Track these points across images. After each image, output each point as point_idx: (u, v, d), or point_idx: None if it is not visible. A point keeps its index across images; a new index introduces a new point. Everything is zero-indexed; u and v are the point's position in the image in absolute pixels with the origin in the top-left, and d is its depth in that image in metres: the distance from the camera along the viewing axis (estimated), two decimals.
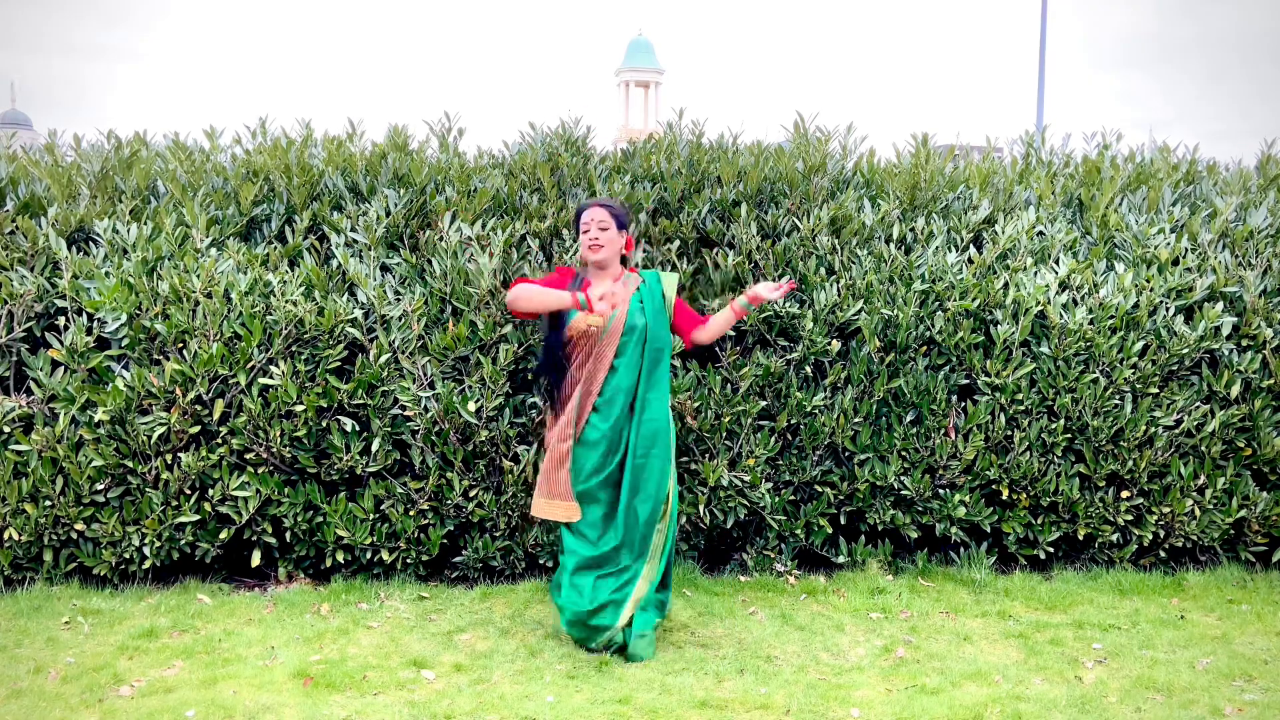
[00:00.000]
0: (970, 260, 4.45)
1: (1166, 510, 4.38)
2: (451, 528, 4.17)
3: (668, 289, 3.59)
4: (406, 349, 4.06)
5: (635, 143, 4.80)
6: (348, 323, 4.05)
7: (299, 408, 3.97)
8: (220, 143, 4.68)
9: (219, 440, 4.02)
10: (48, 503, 3.94)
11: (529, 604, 3.96)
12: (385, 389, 4.04)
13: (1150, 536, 4.41)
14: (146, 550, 3.99)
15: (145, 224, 4.16)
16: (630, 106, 47.35)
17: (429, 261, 4.16)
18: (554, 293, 3.43)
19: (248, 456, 4.04)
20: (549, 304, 3.44)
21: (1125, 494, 4.39)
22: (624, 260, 3.64)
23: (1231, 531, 4.48)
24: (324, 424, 4.06)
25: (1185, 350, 4.29)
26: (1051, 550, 4.43)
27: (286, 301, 3.99)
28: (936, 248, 4.41)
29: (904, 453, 4.34)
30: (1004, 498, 4.38)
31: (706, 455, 4.27)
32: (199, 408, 3.98)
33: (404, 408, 4.04)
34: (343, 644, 3.56)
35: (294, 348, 4.04)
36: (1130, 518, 4.39)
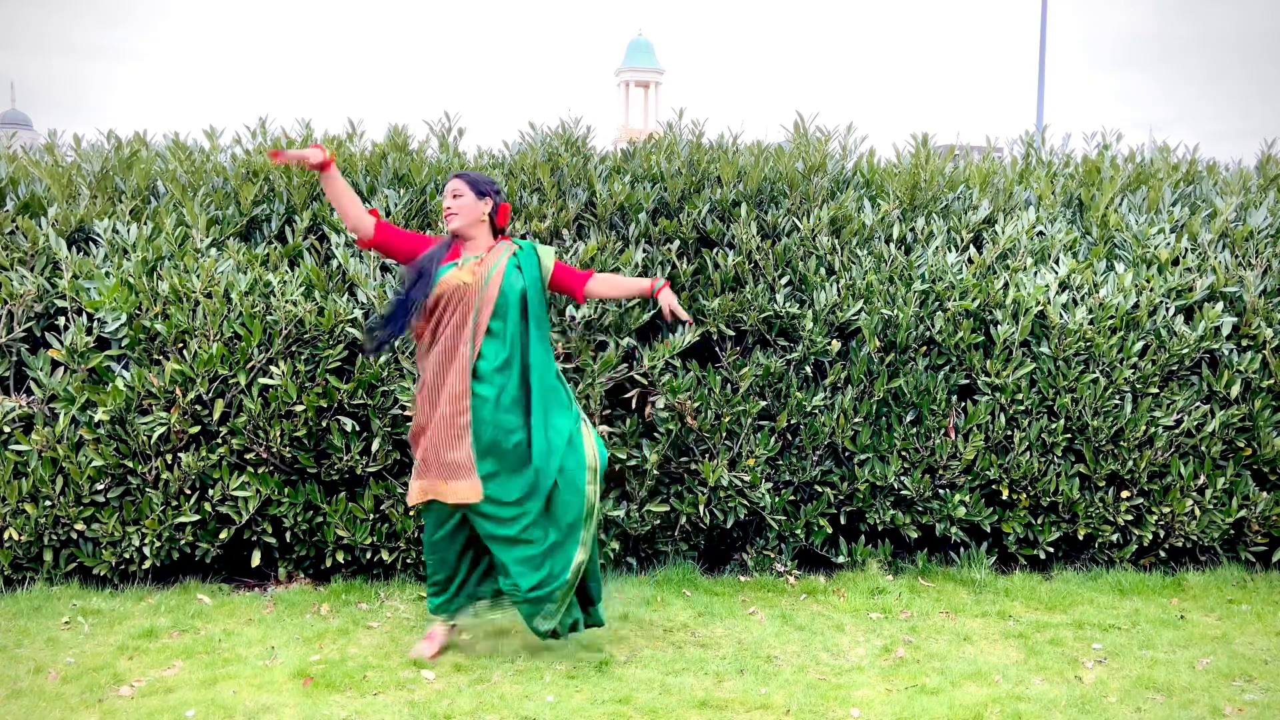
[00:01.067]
0: (970, 260, 4.45)
1: (1166, 510, 4.38)
2: None
3: (544, 258, 3.44)
4: (406, 349, 4.06)
5: (635, 143, 4.80)
6: (348, 323, 4.05)
7: (299, 408, 3.97)
8: (220, 143, 4.68)
9: (219, 440, 4.02)
10: (48, 503, 3.94)
11: None
12: (385, 389, 4.05)
13: (1150, 536, 4.41)
14: (146, 550, 3.99)
15: (145, 224, 4.16)
16: (630, 106, 47.36)
17: None
18: (350, 199, 3.31)
19: (248, 456, 4.04)
20: (344, 204, 3.31)
21: (1125, 494, 4.39)
22: (498, 232, 3.48)
23: (1231, 531, 4.48)
24: (324, 424, 4.06)
25: (1185, 350, 4.29)
26: (1051, 550, 4.43)
27: (286, 301, 3.99)
28: (936, 248, 4.41)
29: (904, 453, 4.34)
30: (1004, 498, 4.38)
31: (706, 455, 4.27)
32: (199, 408, 3.98)
33: (404, 408, 4.04)
34: (343, 644, 3.56)
35: (294, 348, 4.04)
36: (1130, 518, 4.39)
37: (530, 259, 3.45)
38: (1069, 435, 4.34)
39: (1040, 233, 4.58)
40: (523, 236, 4.19)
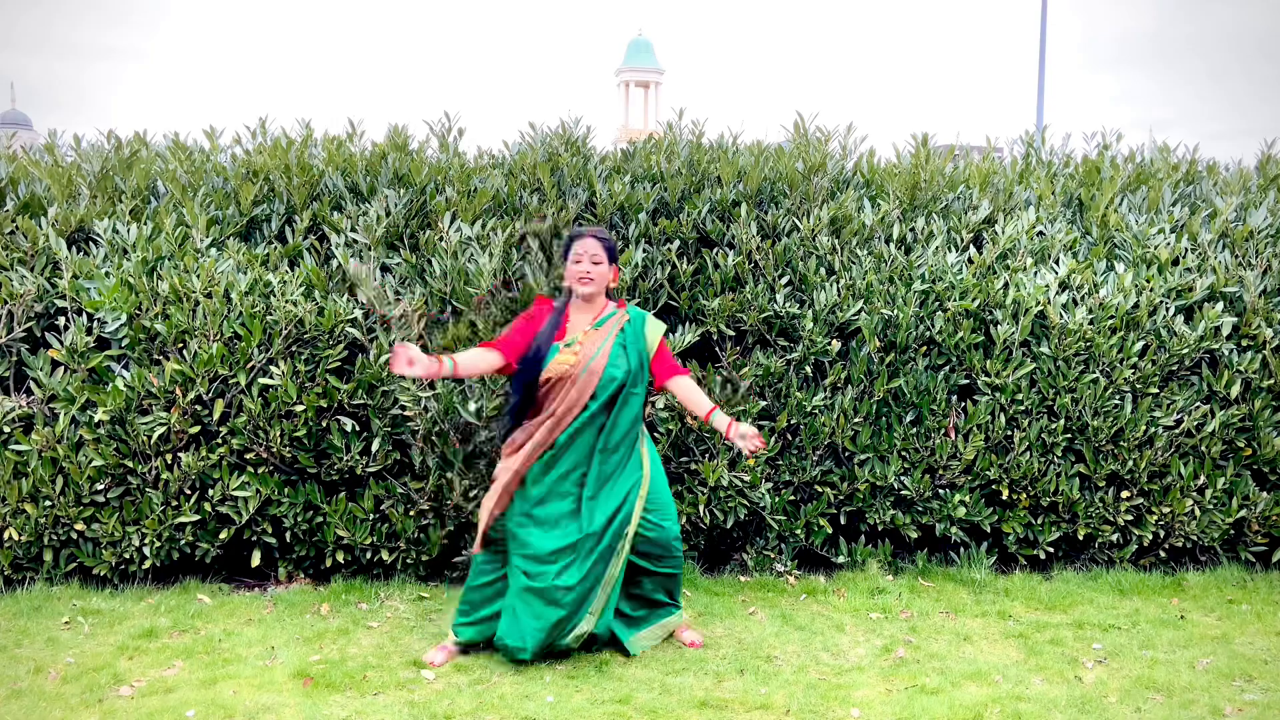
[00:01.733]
0: (970, 260, 4.45)
1: (1166, 510, 4.38)
2: (452, 528, 4.17)
3: (651, 337, 3.47)
4: None
5: (635, 143, 4.80)
6: (348, 323, 4.05)
7: (299, 408, 3.97)
8: (220, 143, 4.69)
9: (219, 440, 4.02)
10: (48, 503, 3.94)
11: None
12: (385, 389, 4.05)
13: (1150, 536, 4.41)
14: (146, 550, 3.99)
15: (145, 224, 4.16)
16: (630, 106, 47.35)
17: (429, 262, 4.16)
18: (477, 359, 3.34)
19: (248, 456, 4.04)
20: (478, 369, 3.36)
21: (1125, 494, 4.39)
22: (610, 293, 3.52)
23: (1231, 531, 4.48)
24: (324, 424, 4.06)
25: (1185, 350, 4.29)
26: (1051, 550, 4.43)
27: (286, 301, 3.99)
28: (936, 248, 4.41)
29: (904, 453, 4.34)
30: (1004, 498, 4.38)
31: (706, 455, 4.27)
32: (199, 408, 3.99)
33: (404, 408, 4.04)
34: (343, 644, 3.56)
35: (294, 348, 4.04)
36: (1130, 518, 4.39)
37: (638, 337, 3.45)
38: (1069, 435, 4.34)
39: (1040, 233, 4.58)
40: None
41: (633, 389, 3.42)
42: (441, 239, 4.15)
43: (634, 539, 3.45)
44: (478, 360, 3.34)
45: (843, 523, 4.41)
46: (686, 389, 3.49)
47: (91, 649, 3.47)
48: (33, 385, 3.98)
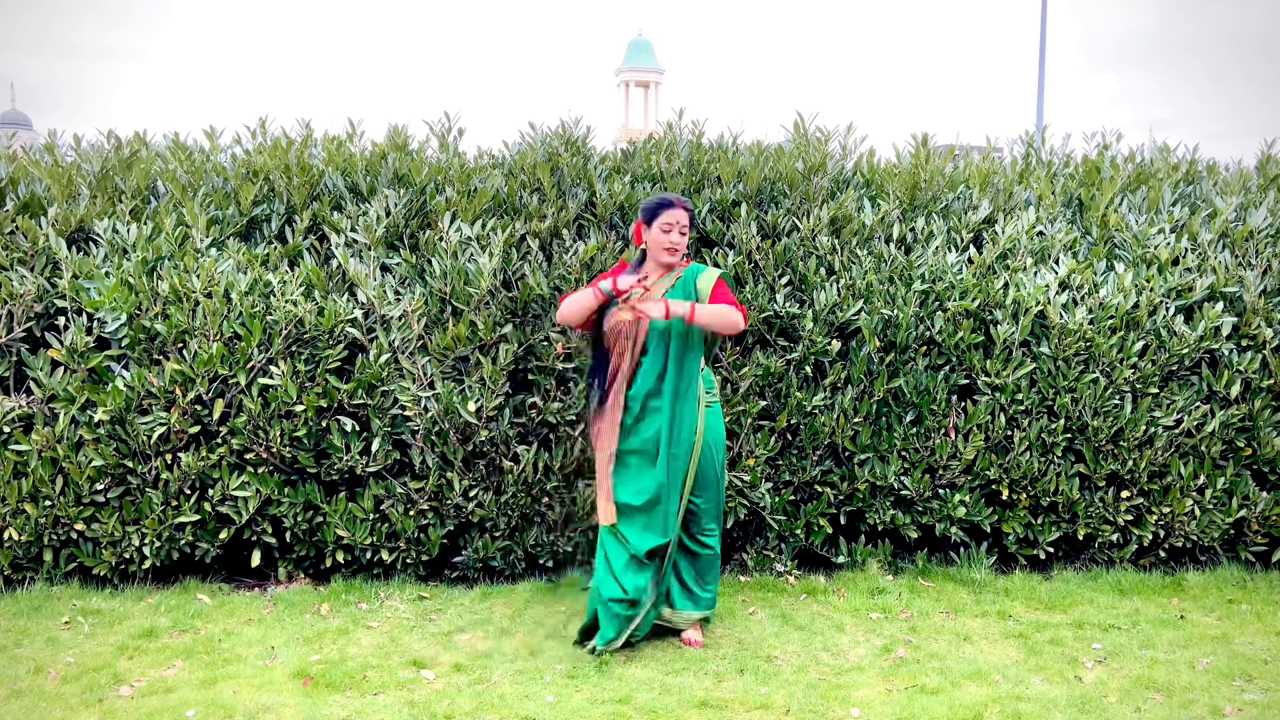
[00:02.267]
0: (970, 260, 4.45)
1: (1166, 510, 4.38)
2: (451, 528, 4.17)
3: (703, 285, 3.54)
4: (406, 349, 4.06)
5: (635, 143, 4.80)
6: (348, 323, 4.05)
7: (299, 408, 3.97)
8: (220, 143, 4.68)
9: (219, 440, 4.02)
10: (48, 503, 3.94)
11: (529, 604, 3.96)
12: (385, 389, 4.05)
13: (1150, 536, 4.41)
14: (146, 550, 3.99)
15: (145, 224, 4.16)
16: (630, 106, 47.35)
17: (429, 261, 4.16)
18: (582, 295, 3.52)
19: (248, 456, 4.04)
20: (584, 305, 3.51)
21: (1125, 494, 4.39)
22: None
23: (1231, 531, 4.48)
24: (324, 424, 4.06)
25: (1185, 350, 4.29)
26: (1051, 550, 4.43)
27: (286, 301, 3.99)
28: (936, 248, 4.41)
29: (904, 453, 4.34)
30: (1004, 498, 4.38)
31: None
32: (199, 408, 3.99)
33: (404, 408, 4.04)
34: (343, 644, 3.56)
35: (294, 348, 4.04)
36: (1130, 518, 4.39)
37: (690, 287, 3.55)
38: (1069, 435, 4.34)
39: (1040, 233, 4.58)
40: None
41: (682, 338, 3.49)
42: (441, 239, 4.15)
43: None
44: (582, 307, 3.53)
45: (843, 523, 4.41)
46: (716, 304, 3.53)
47: (91, 649, 3.47)
48: (33, 385, 3.98)
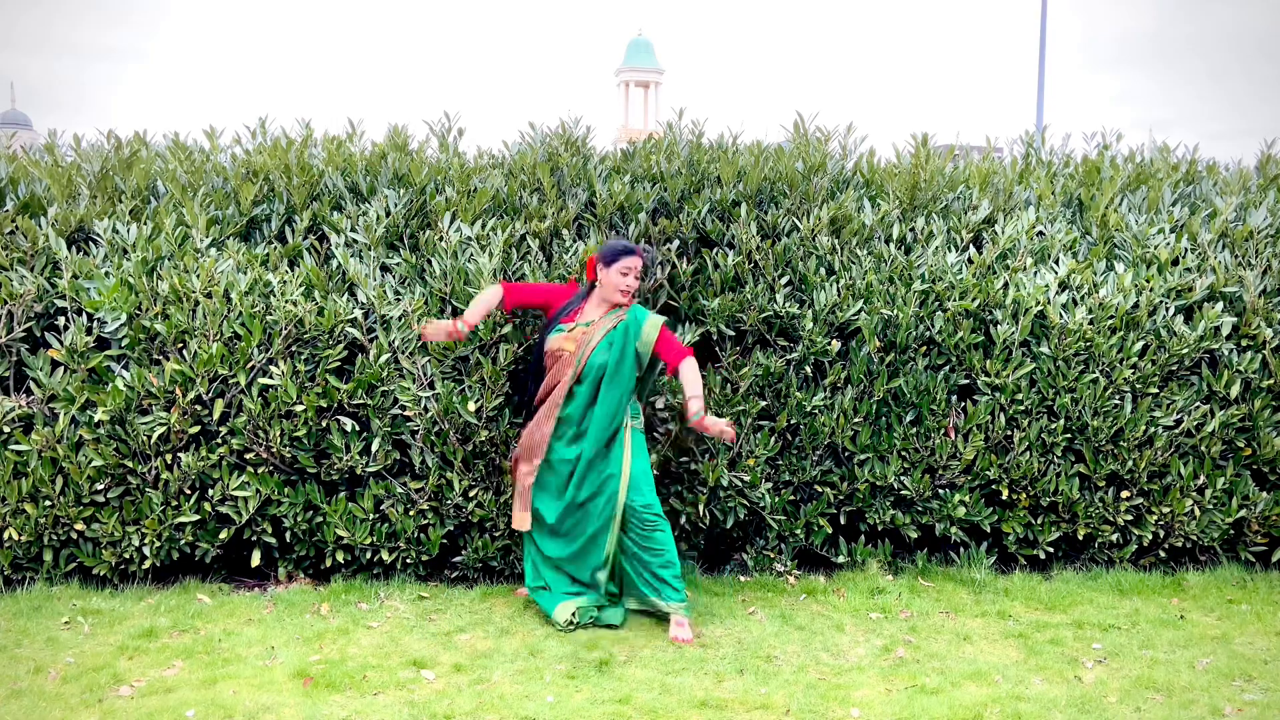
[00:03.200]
0: (970, 260, 4.45)
1: (1166, 510, 4.38)
2: (451, 528, 4.17)
3: (648, 333, 3.78)
4: (406, 349, 4.06)
5: (635, 143, 4.80)
6: (348, 323, 4.05)
7: (299, 408, 3.97)
8: (220, 143, 4.68)
9: (219, 440, 4.02)
10: (48, 503, 3.94)
11: (529, 604, 3.96)
12: (385, 389, 4.05)
13: (1150, 536, 4.41)
14: (146, 550, 3.99)
15: (145, 224, 4.16)
16: (630, 106, 47.33)
17: (429, 261, 4.16)
18: (476, 306, 3.83)
19: (248, 456, 4.04)
20: (482, 311, 3.85)
21: (1125, 494, 4.39)
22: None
23: (1231, 531, 4.48)
24: (324, 424, 4.06)
25: (1185, 350, 4.29)
26: (1051, 550, 4.43)
27: (286, 301, 3.99)
28: (936, 248, 4.41)
29: (904, 453, 4.34)
30: (1004, 498, 4.38)
31: (706, 455, 4.27)
32: (199, 408, 3.99)
33: (404, 408, 4.04)
34: (343, 644, 3.56)
35: (294, 348, 4.04)
36: (1130, 518, 4.39)
37: (635, 333, 3.79)
38: (1069, 435, 4.34)
39: (1040, 233, 4.58)
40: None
41: (615, 377, 3.74)
42: (441, 239, 4.15)
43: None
44: (481, 305, 3.82)
45: (843, 523, 4.41)
46: (685, 372, 3.77)
47: (91, 649, 3.47)
48: (33, 385, 3.98)
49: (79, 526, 3.97)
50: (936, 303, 4.35)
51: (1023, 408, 4.31)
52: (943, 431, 4.34)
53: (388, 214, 4.25)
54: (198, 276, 3.99)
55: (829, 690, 3.23)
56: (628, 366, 3.76)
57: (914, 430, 4.32)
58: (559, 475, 3.80)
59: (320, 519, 4.09)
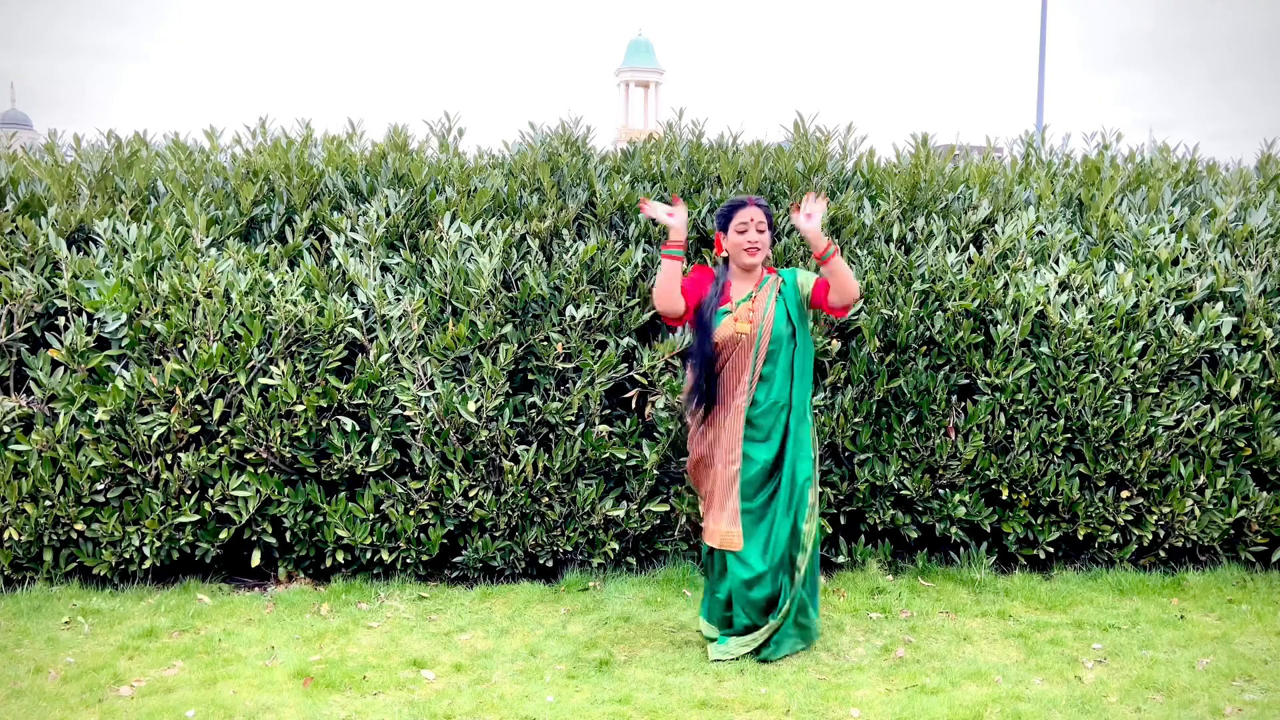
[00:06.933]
0: (970, 260, 4.45)
1: (1166, 510, 4.37)
2: (451, 528, 4.17)
3: (804, 287, 3.48)
4: (406, 349, 4.07)
5: (635, 143, 4.79)
6: (348, 323, 4.05)
7: (299, 408, 3.97)
8: (220, 143, 4.69)
9: (219, 440, 4.02)
10: (48, 503, 3.94)
11: (529, 604, 3.96)
12: (385, 389, 4.05)
13: (1150, 536, 4.41)
14: (146, 550, 3.99)
15: (145, 224, 4.16)
16: (630, 106, 47.33)
17: (429, 261, 4.16)
18: (662, 273, 3.36)
19: (248, 456, 4.04)
20: (668, 274, 3.35)
21: (1125, 494, 4.39)
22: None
23: (1231, 531, 4.48)
24: (324, 424, 4.06)
25: (1185, 350, 4.29)
26: (1051, 550, 4.43)
27: (286, 301, 3.99)
28: (936, 248, 4.41)
29: (904, 453, 4.34)
30: (1004, 498, 4.38)
31: None
32: (199, 408, 3.99)
33: (404, 408, 4.04)
34: (343, 644, 3.56)
35: (294, 348, 4.04)
36: (1130, 518, 4.39)
37: (793, 292, 3.48)
38: (1069, 435, 4.34)
39: (1040, 233, 4.58)
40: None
41: (801, 344, 3.45)
42: (441, 239, 4.15)
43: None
44: (673, 282, 3.37)
45: (843, 523, 4.41)
46: (832, 273, 3.38)
47: (91, 649, 3.47)
48: (33, 385, 3.98)
49: (79, 526, 3.97)
50: (936, 303, 4.35)
51: (1023, 408, 4.31)
52: (943, 431, 4.34)
53: (388, 214, 4.25)
54: (198, 276, 3.99)
55: (829, 690, 3.23)
56: (808, 336, 3.47)
57: (914, 430, 4.32)
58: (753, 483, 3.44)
59: (320, 519, 4.09)
